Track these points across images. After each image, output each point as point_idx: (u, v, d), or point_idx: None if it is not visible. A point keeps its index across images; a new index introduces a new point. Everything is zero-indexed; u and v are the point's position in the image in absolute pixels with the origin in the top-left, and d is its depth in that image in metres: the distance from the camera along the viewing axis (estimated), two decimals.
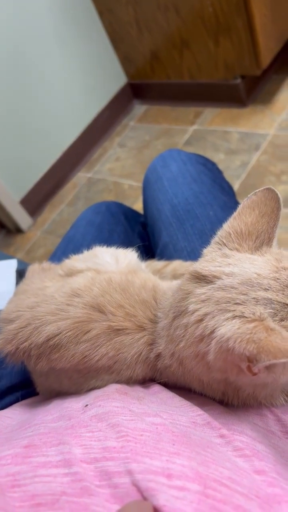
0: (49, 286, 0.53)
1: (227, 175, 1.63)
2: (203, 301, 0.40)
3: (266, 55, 1.71)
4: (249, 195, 0.47)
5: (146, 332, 0.46)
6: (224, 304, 0.39)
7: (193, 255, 0.62)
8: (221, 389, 0.43)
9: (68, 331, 0.46)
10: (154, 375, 0.47)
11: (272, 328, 0.36)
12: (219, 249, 0.45)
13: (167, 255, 0.69)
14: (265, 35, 1.65)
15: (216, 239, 0.46)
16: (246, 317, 0.37)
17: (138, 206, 1.53)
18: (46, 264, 0.63)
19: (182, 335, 0.41)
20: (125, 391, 0.44)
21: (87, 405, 0.42)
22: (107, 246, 0.60)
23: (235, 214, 0.46)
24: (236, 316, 0.38)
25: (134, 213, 0.85)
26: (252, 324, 0.36)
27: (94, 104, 2.09)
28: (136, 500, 0.30)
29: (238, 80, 1.82)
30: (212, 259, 0.44)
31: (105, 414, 0.39)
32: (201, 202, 0.70)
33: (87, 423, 0.38)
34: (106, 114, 2.13)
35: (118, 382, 0.47)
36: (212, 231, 0.64)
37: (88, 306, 0.47)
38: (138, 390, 0.46)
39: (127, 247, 0.72)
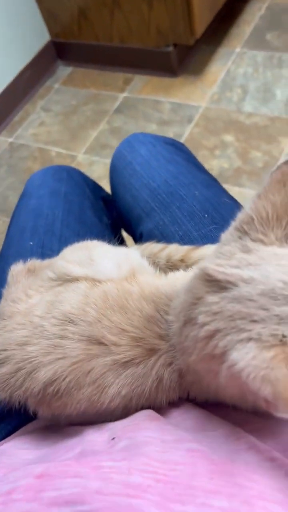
0: (36, 303, 0.46)
1: None
2: (214, 313, 0.33)
3: (200, 24, 1.68)
4: (278, 165, 0.38)
5: (160, 352, 0.40)
6: (239, 321, 0.32)
7: (187, 238, 0.58)
8: (250, 401, 0.36)
9: (66, 376, 0.39)
10: (182, 395, 0.41)
11: None
12: (240, 238, 0.37)
13: None
14: (200, 3, 1.61)
15: (236, 224, 0.38)
16: (264, 340, 0.30)
17: None
18: (31, 264, 0.54)
19: (192, 347, 0.35)
20: (156, 417, 0.39)
21: (114, 438, 0.36)
22: (82, 224, 0.53)
23: (260, 192, 0.37)
24: (251, 338, 0.31)
25: (95, 184, 0.78)
26: (271, 353, 0.29)
27: (13, 62, 1.91)
28: None
29: (170, 48, 1.77)
30: (230, 253, 0.36)
31: (134, 446, 0.34)
32: (183, 183, 0.65)
33: (110, 452, 0.34)
34: (27, 74, 1.96)
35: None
36: (203, 211, 0.60)
37: (85, 338, 0.40)
38: (169, 412, 0.41)
39: (98, 224, 0.66)
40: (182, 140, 1.64)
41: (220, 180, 1.50)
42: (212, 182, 0.68)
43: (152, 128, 1.72)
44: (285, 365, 0.29)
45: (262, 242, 0.36)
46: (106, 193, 0.80)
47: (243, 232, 0.37)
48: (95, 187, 0.78)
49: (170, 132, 1.68)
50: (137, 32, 1.79)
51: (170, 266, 0.54)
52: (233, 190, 1.47)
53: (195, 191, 0.62)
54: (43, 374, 0.40)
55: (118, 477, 0.30)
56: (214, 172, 1.52)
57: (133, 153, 0.71)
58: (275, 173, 0.38)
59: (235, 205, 0.61)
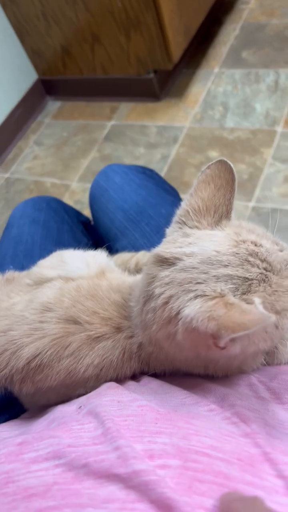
0: (17, 302, 0.51)
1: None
2: (167, 283, 0.41)
3: (176, 50, 1.76)
4: (202, 169, 0.46)
5: (123, 329, 0.47)
6: (187, 285, 0.39)
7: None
8: (201, 364, 0.44)
9: (47, 350, 0.45)
10: (142, 368, 0.47)
11: (232, 303, 0.37)
12: (180, 228, 0.45)
13: None
14: (174, 30, 1.70)
15: (176, 218, 0.46)
16: (207, 295, 0.38)
17: None
18: (9, 274, 0.60)
19: (152, 319, 0.42)
20: (116, 386, 0.45)
21: (80, 406, 0.42)
22: (59, 246, 0.59)
23: (191, 191, 0.46)
24: (198, 295, 0.39)
25: (74, 210, 0.84)
26: (213, 301, 0.37)
27: (4, 102, 2.00)
28: None
29: (151, 75, 1.86)
30: (173, 240, 0.44)
31: (95, 407, 0.40)
32: (151, 203, 0.72)
33: (78, 418, 0.39)
34: (18, 112, 2.05)
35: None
36: (168, 225, 0.66)
37: (62, 320, 0.46)
38: (129, 384, 0.47)
39: (77, 246, 0.71)
40: (169, 160, 1.71)
41: None
42: (179, 203, 0.75)
43: (140, 152, 1.78)
44: (224, 307, 0.37)
45: (197, 228, 0.45)
46: (86, 217, 0.87)
47: (181, 223, 0.46)
48: (74, 213, 0.84)
49: (157, 154, 1.75)
50: (118, 62, 1.88)
51: (138, 270, 0.61)
52: None
53: (162, 210, 0.69)
54: (27, 351, 0.45)
55: (87, 434, 0.36)
56: None
57: (108, 182, 0.79)
58: (201, 176, 0.47)
59: None
